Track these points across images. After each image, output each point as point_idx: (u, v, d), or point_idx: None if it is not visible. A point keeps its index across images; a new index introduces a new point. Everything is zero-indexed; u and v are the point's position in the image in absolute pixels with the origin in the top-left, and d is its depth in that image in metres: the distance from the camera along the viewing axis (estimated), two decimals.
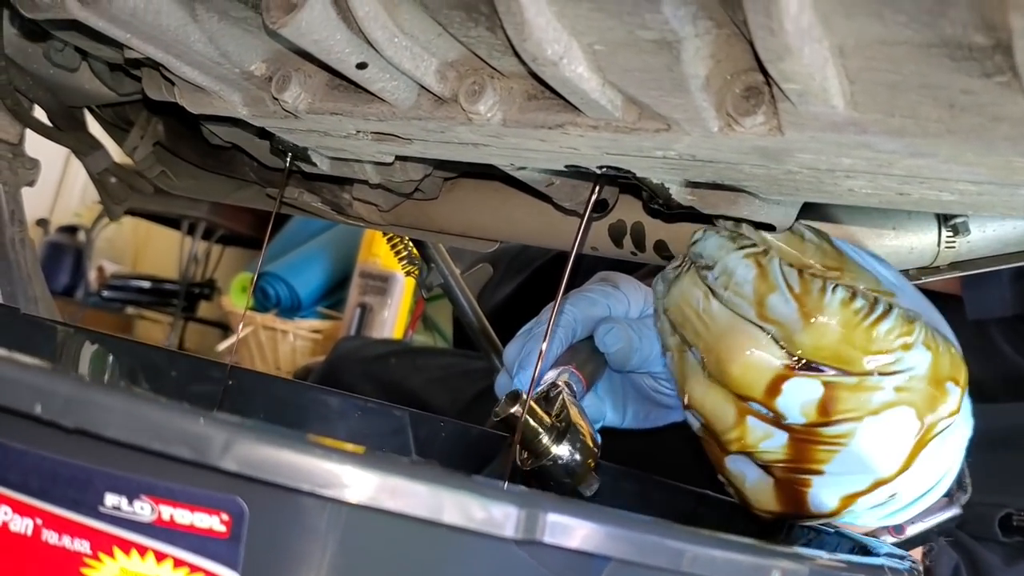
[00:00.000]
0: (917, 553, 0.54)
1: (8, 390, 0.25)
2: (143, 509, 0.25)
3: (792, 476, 0.46)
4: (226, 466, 0.24)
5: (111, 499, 0.25)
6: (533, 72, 0.33)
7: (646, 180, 0.41)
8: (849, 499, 0.45)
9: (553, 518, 0.25)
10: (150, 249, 3.33)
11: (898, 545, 0.50)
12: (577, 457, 0.46)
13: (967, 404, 0.46)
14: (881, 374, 0.42)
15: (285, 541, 0.25)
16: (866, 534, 0.50)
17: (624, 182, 0.46)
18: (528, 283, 1.38)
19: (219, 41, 0.41)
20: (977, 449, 0.71)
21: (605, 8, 0.29)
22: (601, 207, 0.54)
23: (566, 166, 0.42)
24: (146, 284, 2.95)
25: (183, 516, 0.25)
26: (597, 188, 0.48)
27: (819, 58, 0.27)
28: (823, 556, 0.33)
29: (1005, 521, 0.70)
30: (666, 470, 0.64)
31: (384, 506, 0.25)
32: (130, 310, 3.06)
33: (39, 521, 0.26)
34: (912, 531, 0.50)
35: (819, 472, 0.45)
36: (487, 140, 0.40)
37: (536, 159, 0.42)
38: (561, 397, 0.48)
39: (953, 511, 0.50)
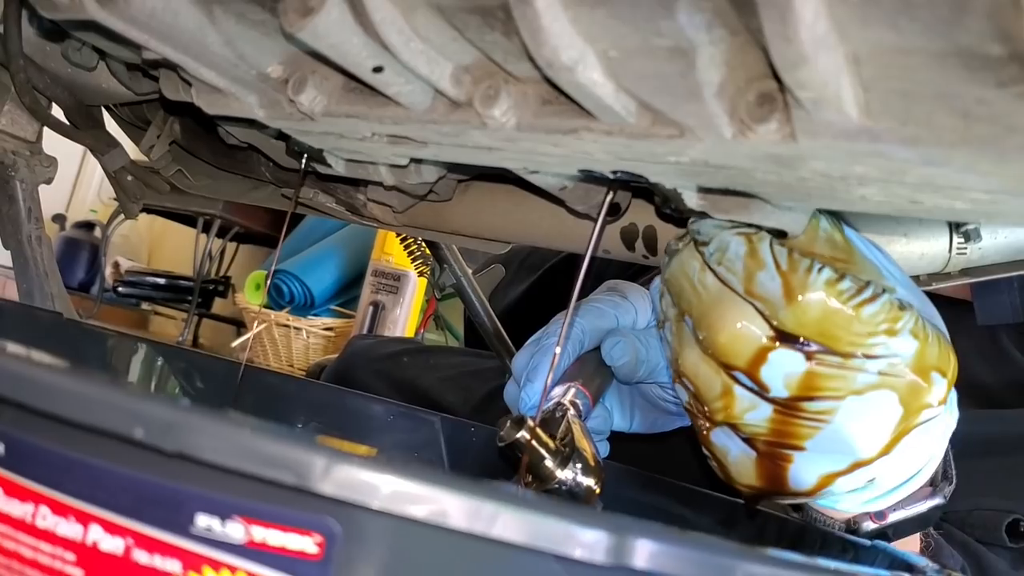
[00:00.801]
0: (914, 545, 0.54)
1: (107, 413, 0.25)
2: (235, 530, 0.26)
3: (774, 451, 0.46)
4: (325, 490, 0.25)
5: (203, 520, 0.26)
6: (548, 77, 0.33)
7: (659, 185, 0.42)
8: (828, 478, 0.46)
9: (642, 543, 0.25)
10: (165, 246, 3.35)
11: (882, 533, 0.50)
12: (581, 481, 0.47)
13: (953, 396, 0.47)
14: (865, 356, 0.43)
15: (377, 563, 0.25)
16: (848, 520, 0.51)
17: (637, 186, 0.46)
18: (540, 283, 1.38)
19: (236, 43, 0.42)
20: (985, 455, 0.71)
21: (620, 15, 0.29)
22: (614, 211, 0.54)
23: (579, 170, 0.42)
24: (161, 280, 2.97)
25: (276, 537, 0.25)
26: (610, 192, 0.48)
27: (834, 66, 0.27)
28: (878, 573, 0.33)
29: (1013, 527, 0.70)
30: (672, 472, 0.64)
31: (477, 531, 0.25)
32: (145, 306, 3.09)
33: (130, 541, 0.26)
34: (894, 518, 0.50)
35: (800, 448, 0.45)
36: (501, 144, 0.40)
37: (550, 163, 0.42)
38: (566, 419, 0.48)
39: (936, 500, 0.51)
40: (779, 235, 0.46)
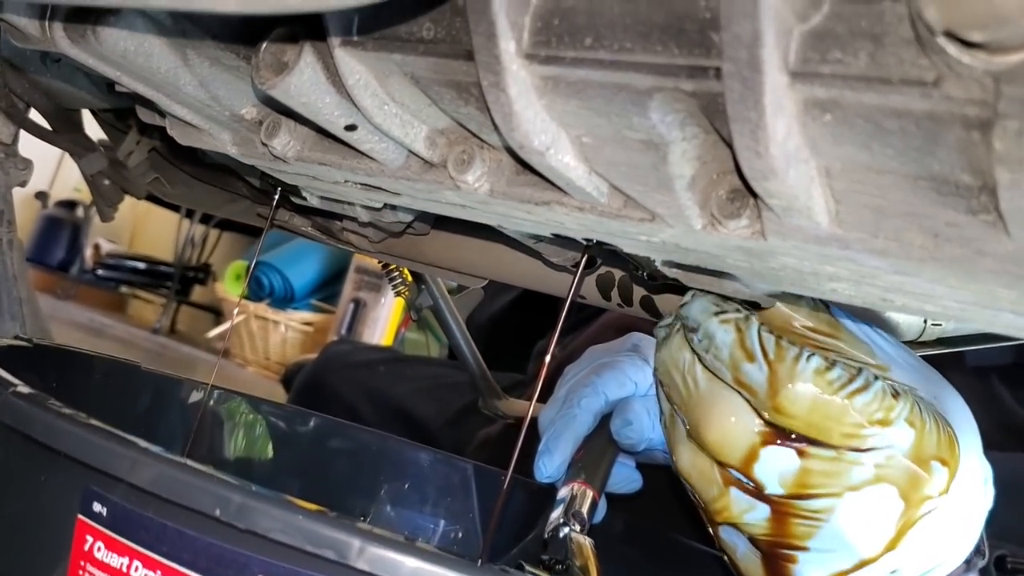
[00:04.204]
0: None
1: (195, 495, 0.32)
2: None
3: (777, 551, 0.45)
4: (359, 566, 0.31)
5: None
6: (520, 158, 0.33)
7: (633, 255, 0.41)
8: None
9: None
10: (148, 229, 3.32)
11: None
12: None
13: (970, 482, 0.45)
14: (859, 449, 0.42)
15: None
16: None
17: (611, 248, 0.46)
18: (526, 295, 1.38)
19: (210, 85, 0.41)
20: None
21: (594, 108, 0.29)
22: (590, 263, 0.54)
23: (552, 234, 0.41)
24: (141, 265, 2.94)
25: None
26: (587, 249, 0.48)
27: (805, 179, 0.27)
28: None
29: (1000, 562, 0.69)
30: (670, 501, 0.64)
31: None
32: (124, 289, 3.06)
33: None
34: None
35: (803, 548, 0.44)
36: (475, 205, 0.40)
37: (523, 225, 0.41)
38: (567, 541, 0.49)
39: None
40: (752, 306, 0.45)
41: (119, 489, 0.33)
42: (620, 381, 0.56)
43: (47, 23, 0.36)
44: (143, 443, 0.34)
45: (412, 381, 1.39)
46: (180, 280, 2.88)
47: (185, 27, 0.37)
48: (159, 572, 0.33)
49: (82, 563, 0.34)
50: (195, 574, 0.33)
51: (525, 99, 0.29)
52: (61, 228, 2.99)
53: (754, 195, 0.30)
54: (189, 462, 0.33)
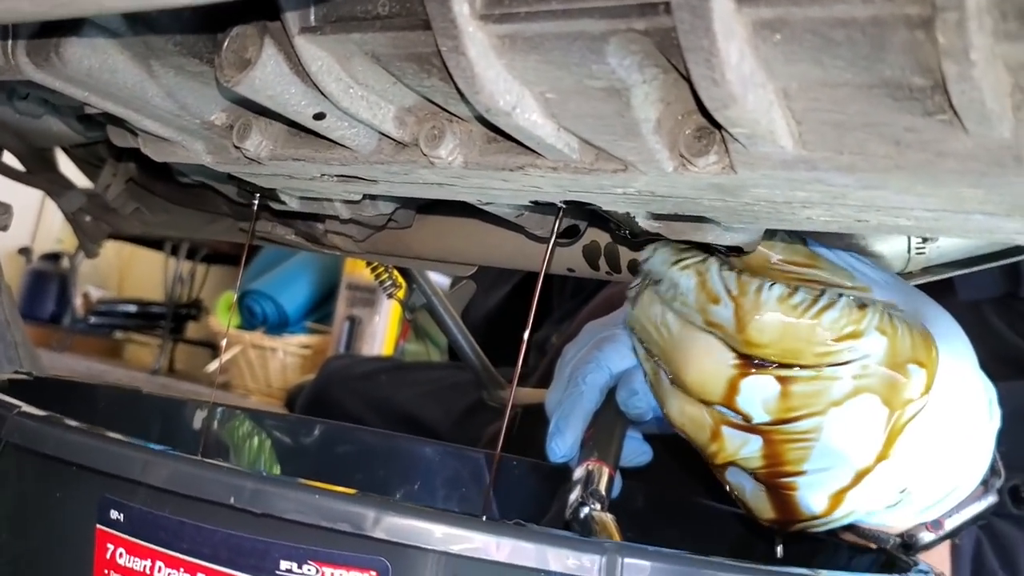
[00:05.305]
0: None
1: (209, 486, 0.33)
2: (310, 570, 0.33)
3: (777, 481, 0.46)
4: (376, 535, 0.32)
5: (285, 564, 0.33)
6: (487, 121, 0.33)
7: (612, 212, 0.42)
8: (838, 496, 0.46)
9: (629, 561, 0.32)
10: (135, 272, 3.32)
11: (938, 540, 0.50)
12: None
13: (960, 387, 0.46)
14: (835, 364, 0.43)
15: None
16: (902, 532, 0.50)
17: (592, 208, 0.47)
18: (520, 287, 1.38)
19: (177, 94, 0.41)
20: None
21: (553, 60, 0.29)
22: (573, 232, 0.54)
23: (531, 202, 0.42)
24: (132, 308, 2.94)
25: (341, 574, 0.33)
26: (567, 215, 0.49)
27: (764, 103, 0.28)
28: None
29: (1014, 493, 0.70)
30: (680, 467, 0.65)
31: (495, 558, 0.32)
32: (118, 334, 3.05)
33: None
34: (952, 524, 0.49)
35: (800, 472, 0.45)
36: (451, 181, 0.40)
37: (501, 196, 0.42)
38: (590, 519, 0.50)
39: (990, 499, 0.50)
40: (736, 251, 0.46)
41: (133, 493, 0.34)
42: (621, 353, 0.57)
43: (9, 48, 0.37)
44: (150, 444, 0.34)
45: (414, 386, 1.39)
46: (173, 318, 2.88)
47: (146, 36, 0.37)
48: (182, 569, 0.33)
49: (106, 571, 0.35)
50: (218, 567, 0.33)
51: (485, 60, 0.30)
52: (48, 281, 2.98)
53: (719, 128, 0.30)
54: (197, 458, 0.34)
